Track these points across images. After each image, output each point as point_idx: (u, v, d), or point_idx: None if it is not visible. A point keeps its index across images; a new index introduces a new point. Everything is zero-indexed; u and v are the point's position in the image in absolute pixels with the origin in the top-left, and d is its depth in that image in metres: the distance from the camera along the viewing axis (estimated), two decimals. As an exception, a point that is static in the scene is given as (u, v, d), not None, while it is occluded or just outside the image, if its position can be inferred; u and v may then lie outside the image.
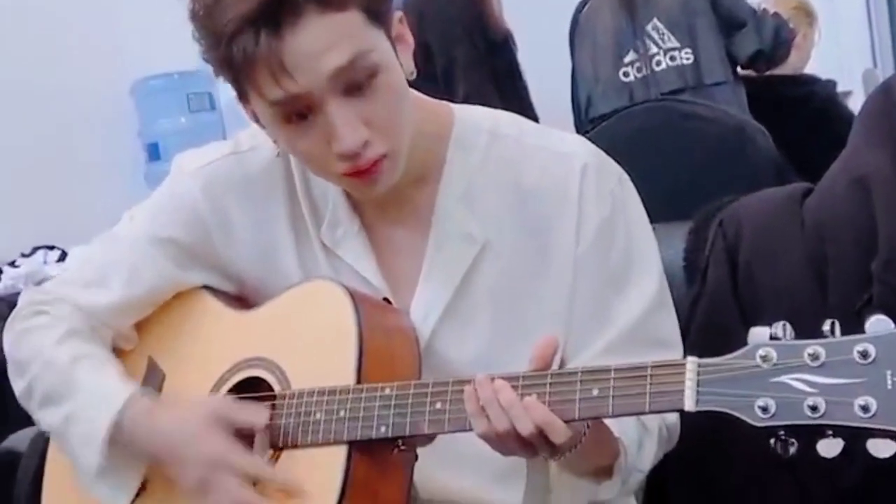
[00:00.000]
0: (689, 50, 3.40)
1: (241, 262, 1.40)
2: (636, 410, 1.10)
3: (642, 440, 1.26)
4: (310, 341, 1.31)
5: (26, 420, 1.49)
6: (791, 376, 1.02)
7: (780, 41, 3.47)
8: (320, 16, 1.16)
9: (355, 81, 1.19)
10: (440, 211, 1.34)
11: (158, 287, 1.43)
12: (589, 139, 1.38)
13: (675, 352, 1.30)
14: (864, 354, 1.00)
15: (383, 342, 1.28)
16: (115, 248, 1.44)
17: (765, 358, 1.03)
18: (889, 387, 0.98)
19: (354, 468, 1.23)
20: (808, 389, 1.01)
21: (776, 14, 3.55)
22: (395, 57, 1.24)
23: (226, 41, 1.16)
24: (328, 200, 1.36)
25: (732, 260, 1.56)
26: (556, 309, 1.31)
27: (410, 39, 1.29)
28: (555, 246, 1.32)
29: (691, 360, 1.07)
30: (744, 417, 1.03)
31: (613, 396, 1.10)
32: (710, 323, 1.54)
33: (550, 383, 1.13)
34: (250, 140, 1.39)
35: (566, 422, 1.11)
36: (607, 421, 1.18)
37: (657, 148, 2.64)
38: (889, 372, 0.98)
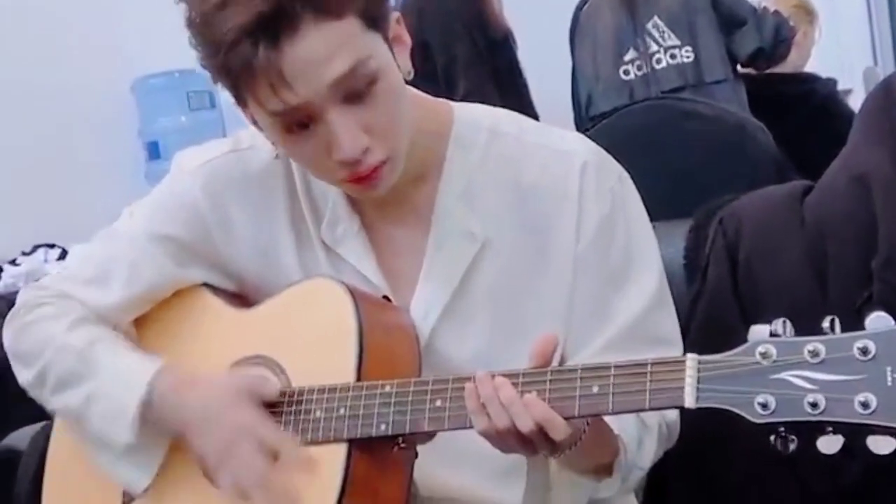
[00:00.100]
0: (689, 48, 3.40)
1: (242, 260, 1.40)
2: (636, 407, 1.10)
3: (642, 438, 1.26)
4: (310, 339, 1.31)
5: (27, 418, 1.49)
6: (791, 373, 1.02)
7: (781, 39, 3.47)
8: (318, 25, 1.16)
9: (355, 89, 1.19)
10: (440, 209, 1.34)
11: (158, 284, 1.43)
12: (589, 137, 1.38)
13: (674, 349, 1.30)
14: (865, 351, 0.99)
15: (383, 340, 1.28)
16: (115, 244, 1.44)
17: (765, 355, 1.03)
18: (889, 383, 0.98)
19: (354, 466, 1.23)
20: (808, 386, 1.01)
21: (776, 12, 3.55)
22: (393, 61, 1.24)
23: (224, 51, 1.16)
24: (328, 199, 1.36)
25: (733, 258, 1.56)
26: (556, 306, 1.31)
27: (407, 39, 1.29)
28: (555, 244, 1.32)
29: (691, 357, 1.07)
30: (744, 414, 1.03)
31: (613, 393, 1.10)
32: (711, 321, 1.54)
33: (550, 380, 1.13)
34: (250, 138, 1.39)
35: (566, 419, 1.11)
36: (607, 418, 1.18)
37: (657, 146, 2.64)
38: (889, 368, 0.98)
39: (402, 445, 1.24)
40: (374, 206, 1.36)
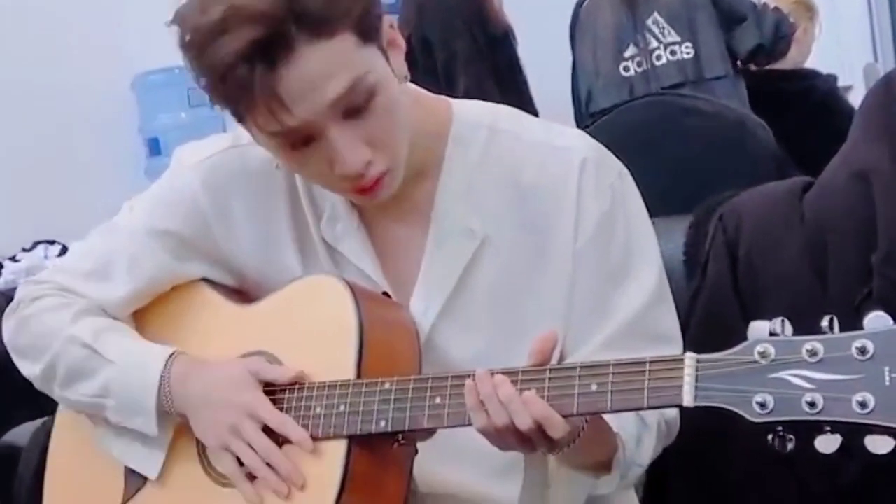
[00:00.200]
0: (689, 44, 3.40)
1: (242, 256, 1.40)
2: (634, 405, 1.11)
3: (641, 435, 1.26)
4: (310, 335, 1.32)
5: (27, 415, 1.49)
6: (789, 372, 1.02)
7: (781, 36, 3.47)
8: (313, 45, 1.15)
9: (355, 105, 1.19)
10: (439, 207, 1.34)
11: (157, 279, 1.42)
12: (589, 133, 1.38)
13: (674, 346, 1.30)
14: (863, 351, 0.99)
15: (384, 337, 1.28)
16: (115, 238, 1.44)
17: (763, 354, 1.03)
18: (887, 383, 0.98)
19: (354, 463, 1.23)
20: (806, 385, 1.01)
21: (776, 9, 3.55)
22: (390, 71, 1.23)
23: (220, 78, 1.16)
24: (327, 196, 1.36)
25: (732, 254, 1.56)
26: (556, 304, 1.31)
27: (402, 42, 1.28)
28: (554, 241, 1.32)
29: (689, 356, 1.07)
30: (742, 413, 1.03)
31: (612, 391, 1.10)
32: (711, 317, 1.54)
33: (549, 378, 1.13)
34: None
35: (564, 416, 1.12)
36: (606, 416, 1.18)
37: (657, 142, 2.64)
38: (887, 368, 0.98)
39: (402, 442, 1.24)
40: (373, 204, 1.36)
